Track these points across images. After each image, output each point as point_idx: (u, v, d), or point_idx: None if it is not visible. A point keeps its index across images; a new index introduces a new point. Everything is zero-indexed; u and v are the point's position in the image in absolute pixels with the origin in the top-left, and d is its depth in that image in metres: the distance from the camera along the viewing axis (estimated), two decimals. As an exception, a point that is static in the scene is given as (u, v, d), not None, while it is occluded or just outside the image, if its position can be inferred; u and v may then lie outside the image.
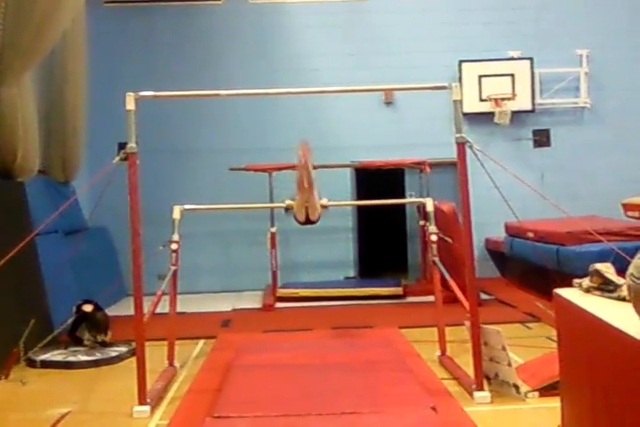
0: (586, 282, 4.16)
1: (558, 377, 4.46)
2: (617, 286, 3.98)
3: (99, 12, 12.05)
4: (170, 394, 6.28)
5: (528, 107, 12.58)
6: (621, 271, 4.26)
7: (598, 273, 4.09)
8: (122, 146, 5.98)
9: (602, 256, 6.91)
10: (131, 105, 5.80)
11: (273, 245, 11.51)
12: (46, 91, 10.03)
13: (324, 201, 6.56)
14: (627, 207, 10.02)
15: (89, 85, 10.97)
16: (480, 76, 12.49)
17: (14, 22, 8.03)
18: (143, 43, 12.58)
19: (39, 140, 9.21)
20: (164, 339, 7.05)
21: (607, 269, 4.11)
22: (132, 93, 5.83)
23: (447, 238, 7.57)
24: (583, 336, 3.75)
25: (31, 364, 7.28)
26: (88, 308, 7.93)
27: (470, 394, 5.77)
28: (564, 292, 4.20)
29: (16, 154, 8.40)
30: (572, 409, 4.08)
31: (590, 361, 3.64)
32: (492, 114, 12.39)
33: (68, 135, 10.52)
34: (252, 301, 11.22)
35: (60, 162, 10.52)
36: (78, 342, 7.86)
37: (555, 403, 4.56)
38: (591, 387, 3.65)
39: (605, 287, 4.02)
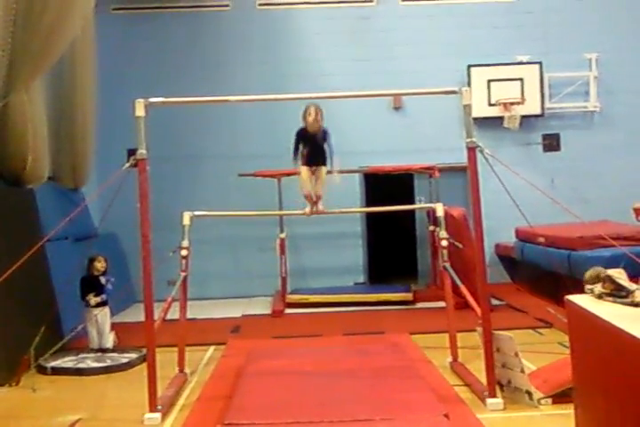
0: (598, 288, 4.13)
1: (571, 383, 4.42)
2: (629, 292, 3.94)
3: (107, 19, 12.09)
4: (180, 401, 6.25)
5: (537, 111, 12.54)
6: (634, 277, 4.24)
7: (610, 279, 4.06)
8: (131, 152, 5.97)
9: (613, 261, 6.90)
10: (140, 111, 5.80)
11: (282, 251, 11.50)
12: (56, 97, 10.05)
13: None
14: (638, 212, 9.95)
15: (98, 92, 10.99)
16: (489, 81, 12.47)
17: (24, 29, 8.05)
18: (151, 49, 12.62)
19: (49, 146, 9.22)
20: (174, 345, 7.03)
21: (619, 275, 4.08)
22: (141, 100, 5.83)
23: (457, 244, 7.53)
24: (596, 343, 3.72)
25: (41, 371, 7.28)
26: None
27: (483, 401, 5.72)
28: (576, 298, 4.16)
29: (26, 161, 8.42)
30: (587, 416, 4.04)
31: (604, 367, 3.60)
32: (501, 118, 12.36)
33: (78, 142, 10.53)
34: (261, 307, 11.20)
35: (70, 168, 10.53)
36: (88, 305, 7.91)
37: (568, 410, 4.52)
38: (605, 393, 3.61)
39: (618, 293, 3.99)
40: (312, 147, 6.40)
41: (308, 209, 6.78)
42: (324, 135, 6.36)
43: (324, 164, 6.46)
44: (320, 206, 6.73)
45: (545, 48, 12.61)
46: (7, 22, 7.92)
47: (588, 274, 5.49)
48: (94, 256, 8.10)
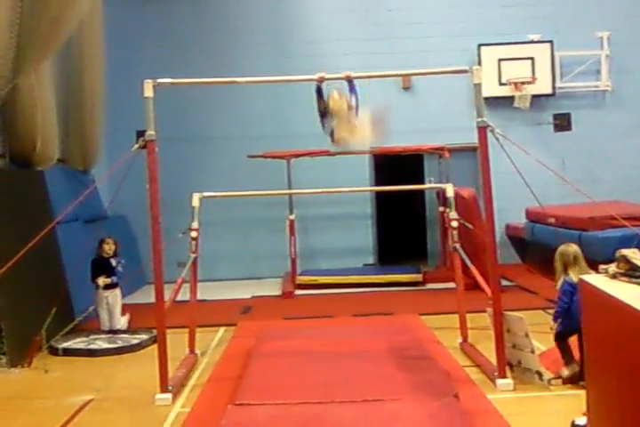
0: (612, 268, 4.10)
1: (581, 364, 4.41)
2: (644, 272, 3.92)
3: (114, 1, 12.01)
4: (191, 382, 6.29)
5: (548, 90, 12.44)
6: (647, 256, 4.20)
7: (625, 259, 4.02)
8: (140, 134, 5.95)
9: (624, 241, 6.86)
10: (149, 92, 5.77)
11: (292, 233, 11.51)
12: (64, 79, 10.03)
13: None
14: (649, 192, 9.90)
15: (106, 73, 10.97)
16: (499, 60, 12.36)
17: (31, 11, 8.03)
18: (160, 30, 12.56)
19: (58, 128, 9.24)
20: (184, 326, 7.07)
21: (634, 255, 4.04)
22: (149, 80, 5.80)
23: (468, 224, 7.50)
24: (610, 322, 3.70)
25: (53, 352, 7.33)
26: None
27: (493, 381, 5.73)
28: (590, 278, 4.14)
29: (35, 143, 8.43)
30: (598, 395, 4.03)
31: (616, 347, 3.59)
32: (511, 98, 12.27)
33: (87, 123, 10.53)
34: (271, 288, 11.23)
35: (79, 150, 10.54)
36: (97, 287, 7.97)
37: (579, 390, 4.52)
38: (618, 372, 3.60)
39: (632, 273, 3.96)
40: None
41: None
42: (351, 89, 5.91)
43: None
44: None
45: (556, 27, 12.48)
46: (15, 5, 7.90)
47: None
48: (103, 238, 8.12)
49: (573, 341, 5.86)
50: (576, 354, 5.67)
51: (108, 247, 8.05)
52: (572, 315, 5.55)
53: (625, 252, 4.04)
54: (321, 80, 5.95)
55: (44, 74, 8.56)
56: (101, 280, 7.92)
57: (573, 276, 5.60)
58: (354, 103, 5.90)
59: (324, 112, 5.96)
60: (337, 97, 5.91)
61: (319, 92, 5.98)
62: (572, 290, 5.58)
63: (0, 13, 7.44)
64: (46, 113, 8.59)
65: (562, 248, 5.83)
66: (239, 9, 12.70)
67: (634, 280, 3.89)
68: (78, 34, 9.68)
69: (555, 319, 5.78)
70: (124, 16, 12.22)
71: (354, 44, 12.55)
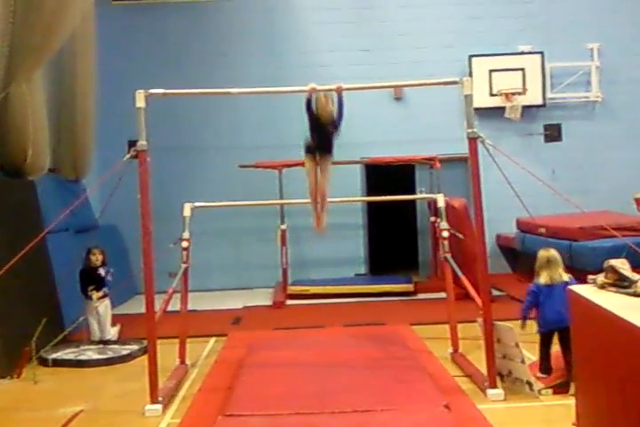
0: (600, 278, 4.12)
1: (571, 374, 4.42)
2: (632, 282, 3.94)
3: (108, 11, 12.05)
4: (181, 392, 6.27)
5: (539, 101, 12.50)
6: (636, 266, 4.23)
7: (613, 269, 4.05)
8: (132, 144, 5.96)
9: (614, 252, 6.88)
10: (141, 102, 5.78)
11: (283, 243, 11.50)
12: (56, 89, 10.03)
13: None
14: (639, 202, 9.95)
15: (98, 83, 10.97)
16: (490, 71, 12.41)
17: (24, 21, 8.04)
18: (152, 40, 12.58)
19: (49, 138, 9.22)
20: (175, 337, 7.05)
21: (622, 266, 4.07)
22: (141, 91, 5.81)
23: (458, 235, 7.52)
24: (598, 332, 3.71)
25: (43, 362, 7.28)
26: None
27: (483, 391, 5.73)
28: (578, 288, 4.16)
29: (26, 152, 8.42)
30: (588, 405, 4.04)
31: (605, 357, 3.60)
32: (502, 109, 12.32)
33: (78, 133, 10.52)
34: (262, 298, 11.21)
35: (71, 160, 10.52)
36: (89, 298, 7.91)
37: (569, 400, 4.53)
38: (607, 383, 3.61)
39: (620, 283, 3.99)
40: (319, 135, 6.10)
41: (315, 221, 6.48)
42: (337, 115, 6.03)
43: (329, 152, 6.17)
44: (324, 215, 6.44)
45: (546, 38, 12.56)
46: (7, 14, 7.91)
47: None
48: (90, 249, 8.09)
49: (556, 351, 5.90)
50: (558, 363, 5.73)
51: (95, 258, 8.00)
52: (544, 315, 5.87)
53: (613, 262, 4.08)
54: (312, 91, 5.99)
55: (35, 83, 8.56)
56: (95, 295, 7.88)
57: (542, 278, 5.90)
58: (336, 113, 6.01)
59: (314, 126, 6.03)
60: (323, 100, 5.97)
61: (309, 105, 6.03)
62: (535, 290, 5.92)
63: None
64: (38, 122, 8.57)
65: (540, 252, 6.02)
66: (232, 19, 12.73)
67: (622, 290, 3.92)
68: (70, 43, 9.69)
69: (522, 318, 6.05)
70: (116, 26, 12.26)
71: (346, 54, 12.59)
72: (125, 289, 9.64)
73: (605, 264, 4.14)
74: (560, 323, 5.43)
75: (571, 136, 12.73)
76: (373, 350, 6.80)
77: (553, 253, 5.96)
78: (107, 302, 8.04)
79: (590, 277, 4.24)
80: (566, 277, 5.88)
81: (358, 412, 4.97)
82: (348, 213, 12.34)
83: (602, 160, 12.54)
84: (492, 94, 12.38)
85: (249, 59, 12.58)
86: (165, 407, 5.75)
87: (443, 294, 7.42)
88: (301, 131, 6.24)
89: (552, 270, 5.88)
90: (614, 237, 6.83)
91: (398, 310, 9.74)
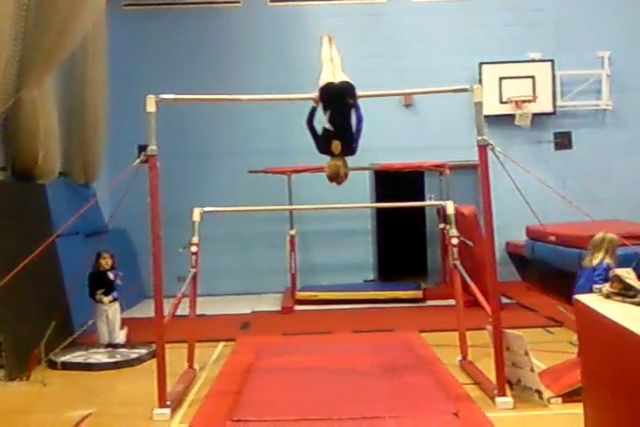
0: (606, 288, 4.11)
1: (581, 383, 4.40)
2: (638, 292, 3.92)
3: (118, 16, 12.10)
4: (190, 397, 6.26)
5: (549, 109, 12.49)
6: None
7: (619, 278, 4.04)
8: (142, 148, 5.98)
9: (624, 260, 6.85)
10: (151, 107, 5.80)
11: (292, 248, 11.51)
12: (67, 94, 10.07)
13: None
14: (649, 211, 9.90)
15: (109, 88, 11.02)
16: (500, 79, 12.41)
17: (35, 26, 8.09)
18: (163, 45, 12.63)
19: (60, 142, 9.26)
20: (183, 341, 7.05)
21: (628, 275, 4.06)
22: (152, 96, 5.83)
23: (468, 242, 7.50)
24: (604, 342, 3.70)
25: (52, 365, 7.30)
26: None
27: (492, 400, 5.70)
28: (584, 298, 4.15)
29: (37, 156, 8.46)
30: (595, 415, 4.02)
31: (612, 367, 3.59)
32: (512, 116, 12.31)
33: (89, 137, 10.56)
34: (271, 303, 11.21)
35: (81, 164, 10.56)
36: (98, 301, 7.95)
37: (578, 409, 4.49)
38: (614, 393, 3.59)
39: (626, 293, 3.97)
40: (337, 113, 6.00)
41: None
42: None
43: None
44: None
45: (557, 46, 12.56)
46: (19, 19, 7.96)
47: (593, 239, 6.15)
48: (100, 253, 8.12)
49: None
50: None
51: (105, 262, 8.03)
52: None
53: (618, 271, 4.07)
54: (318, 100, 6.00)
55: (46, 88, 8.60)
56: (105, 299, 7.91)
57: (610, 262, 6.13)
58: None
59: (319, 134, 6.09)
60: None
61: (312, 113, 6.04)
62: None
63: (4, 27, 7.48)
64: (48, 126, 8.61)
65: (611, 236, 6.28)
66: (241, 25, 12.77)
67: (627, 300, 3.91)
68: (81, 48, 9.75)
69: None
70: (126, 31, 12.31)
71: (356, 61, 12.51)
72: (134, 293, 9.66)
73: (611, 274, 4.13)
74: None
75: (581, 144, 12.71)
76: (382, 357, 6.78)
77: (600, 236, 6.25)
78: (116, 305, 8.07)
79: (596, 286, 4.25)
80: (596, 262, 6.14)
81: (366, 418, 4.96)
82: (357, 219, 12.36)
83: (612, 168, 12.51)
84: (502, 102, 12.38)
85: (258, 64, 12.61)
86: (173, 412, 5.74)
87: (452, 301, 7.40)
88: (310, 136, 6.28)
89: (591, 254, 6.20)
90: (625, 245, 6.80)
91: (407, 317, 9.72)
